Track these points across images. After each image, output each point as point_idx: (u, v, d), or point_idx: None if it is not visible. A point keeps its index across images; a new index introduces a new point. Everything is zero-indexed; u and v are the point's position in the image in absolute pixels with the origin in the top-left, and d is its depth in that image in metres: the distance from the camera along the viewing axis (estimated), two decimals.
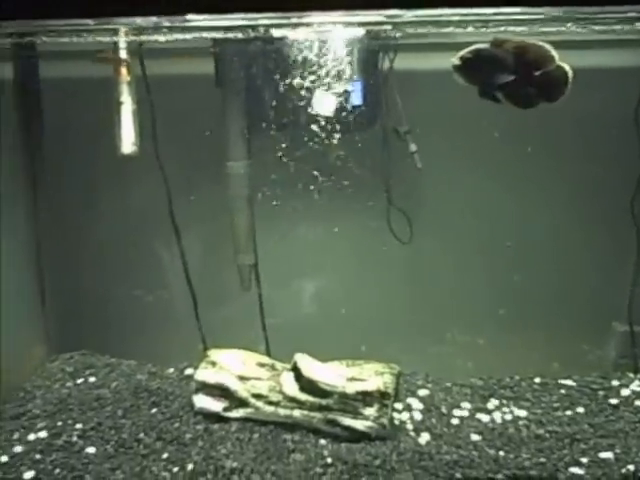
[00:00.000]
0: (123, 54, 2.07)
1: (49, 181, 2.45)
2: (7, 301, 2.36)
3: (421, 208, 2.33)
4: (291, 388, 2.06)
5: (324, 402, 2.02)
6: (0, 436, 2.04)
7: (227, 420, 2.08)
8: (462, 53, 1.78)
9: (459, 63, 1.78)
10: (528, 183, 2.30)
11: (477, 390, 2.26)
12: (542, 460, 1.88)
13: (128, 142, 2.09)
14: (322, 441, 1.99)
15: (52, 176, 2.45)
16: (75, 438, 2.01)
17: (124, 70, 2.08)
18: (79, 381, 2.36)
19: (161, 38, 1.91)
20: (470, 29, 1.84)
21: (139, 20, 1.68)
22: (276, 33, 1.87)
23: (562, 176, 2.30)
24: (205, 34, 1.90)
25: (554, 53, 1.74)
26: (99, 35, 1.93)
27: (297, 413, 2.03)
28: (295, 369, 2.09)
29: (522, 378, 2.32)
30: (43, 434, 2.04)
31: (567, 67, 1.75)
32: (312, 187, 2.18)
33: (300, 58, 2.00)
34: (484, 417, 2.12)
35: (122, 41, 2.05)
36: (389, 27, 1.86)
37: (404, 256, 2.36)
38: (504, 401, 2.20)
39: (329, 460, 1.89)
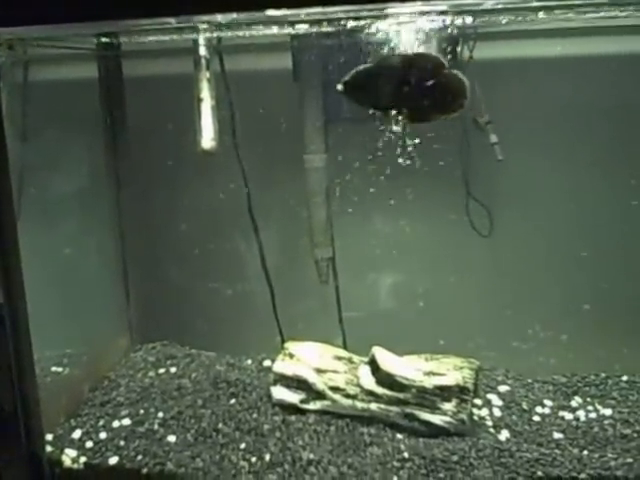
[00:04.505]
0: (203, 51, 2.11)
1: (132, 177, 2.51)
2: (94, 294, 2.44)
3: (501, 201, 2.28)
4: (368, 381, 2.06)
5: (401, 396, 2.00)
6: (87, 423, 2.11)
7: (304, 412, 2.09)
8: (345, 78, 1.74)
9: (342, 89, 1.74)
10: (614, 175, 2.22)
11: (560, 387, 2.20)
12: (629, 460, 1.81)
13: (207, 138, 2.12)
14: (399, 435, 1.98)
15: (135, 172, 2.51)
16: (157, 426, 2.07)
17: (204, 67, 2.11)
18: (161, 371, 2.42)
19: (240, 34, 1.94)
20: (553, 15, 1.79)
21: (219, 17, 1.70)
22: (353, 25, 1.87)
23: None
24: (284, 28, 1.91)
25: (443, 61, 1.66)
26: (180, 33, 1.97)
27: (374, 407, 2.03)
28: (372, 362, 2.08)
29: (608, 376, 2.25)
30: (126, 421, 2.10)
31: (463, 77, 1.67)
32: (390, 180, 2.16)
33: (377, 50, 1.98)
34: (567, 415, 2.06)
35: (202, 38, 2.09)
36: (468, 16, 1.83)
37: (484, 249, 2.32)
38: (589, 399, 2.14)
39: (406, 454, 1.88)
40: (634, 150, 2.18)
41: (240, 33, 1.93)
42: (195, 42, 2.09)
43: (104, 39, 2.12)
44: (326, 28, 1.88)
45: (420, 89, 1.70)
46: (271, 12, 1.58)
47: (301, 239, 2.39)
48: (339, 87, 1.76)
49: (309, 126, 2.26)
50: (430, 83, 1.69)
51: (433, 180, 2.17)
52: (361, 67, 1.74)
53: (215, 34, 2.05)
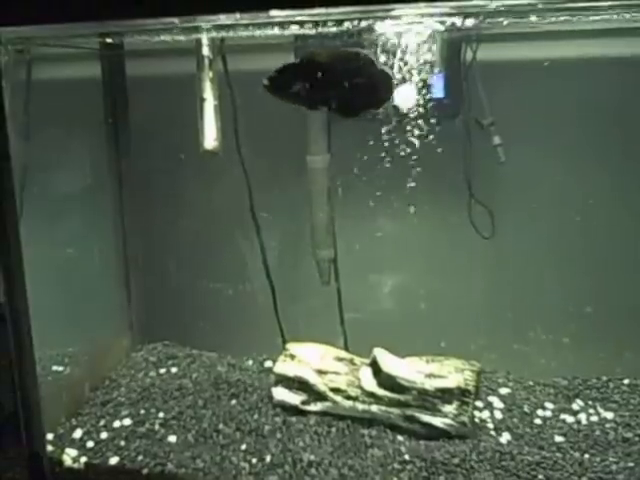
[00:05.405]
0: (206, 51, 2.11)
1: (134, 177, 2.51)
2: (96, 294, 2.44)
3: (504, 202, 2.27)
4: (369, 383, 2.06)
5: (403, 398, 2.00)
6: (88, 422, 2.11)
7: (305, 413, 2.09)
8: (270, 73, 1.74)
9: (268, 84, 1.74)
10: (617, 177, 2.22)
11: (561, 390, 2.20)
12: (630, 464, 1.81)
13: (210, 138, 2.12)
14: (400, 437, 1.97)
15: (137, 172, 2.51)
16: (157, 426, 2.06)
17: (206, 67, 2.11)
18: (162, 371, 2.42)
19: (243, 34, 1.93)
20: (556, 18, 1.79)
21: (223, 17, 1.69)
22: (357, 26, 1.86)
23: None
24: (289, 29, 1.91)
25: (373, 58, 1.66)
26: (183, 33, 1.97)
27: (375, 408, 2.02)
28: (374, 364, 2.08)
29: (610, 379, 2.24)
30: (127, 421, 2.10)
31: (389, 71, 1.68)
32: (392, 181, 2.16)
33: (381, 51, 1.98)
34: (569, 418, 2.06)
35: (205, 38, 2.09)
36: (472, 18, 1.83)
37: (486, 251, 2.31)
38: (590, 402, 2.14)
39: (407, 457, 1.87)
40: (638, 152, 2.17)
41: (244, 34, 1.93)
42: (198, 42, 2.09)
43: (107, 38, 2.12)
44: (329, 29, 1.88)
45: (346, 85, 1.70)
46: (275, 12, 1.59)
47: (303, 240, 2.39)
48: (264, 82, 1.76)
49: (312, 127, 2.26)
50: (355, 79, 1.69)
51: (436, 182, 2.17)
52: (287, 63, 1.74)
53: (219, 34, 2.05)
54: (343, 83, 1.70)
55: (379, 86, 1.71)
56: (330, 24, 1.81)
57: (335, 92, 1.72)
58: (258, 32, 1.89)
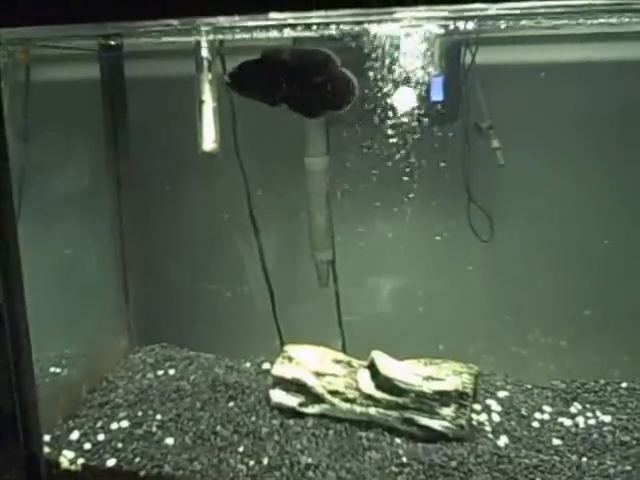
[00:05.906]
0: (205, 53, 2.11)
1: (133, 179, 2.51)
2: (93, 295, 2.44)
3: (503, 206, 2.28)
4: (367, 386, 2.05)
5: (401, 401, 2.00)
6: (85, 424, 2.10)
7: (303, 416, 2.09)
8: (232, 70, 1.76)
9: (229, 80, 1.76)
10: (616, 180, 2.22)
11: (559, 393, 2.20)
12: (627, 468, 1.81)
13: (209, 140, 2.13)
14: (398, 440, 1.97)
15: (136, 174, 2.51)
16: (155, 428, 2.06)
17: (205, 69, 2.11)
18: (159, 373, 2.41)
19: (244, 36, 1.93)
20: (553, 22, 1.79)
21: (222, 19, 1.69)
22: (356, 29, 1.86)
23: None
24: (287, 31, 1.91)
25: (335, 58, 1.66)
26: (183, 35, 1.97)
27: (373, 411, 2.02)
28: (372, 367, 2.08)
29: (607, 382, 2.24)
30: (125, 423, 2.09)
31: (351, 75, 1.68)
32: (391, 184, 2.16)
33: (380, 53, 1.98)
34: (566, 421, 2.06)
35: (204, 40, 2.09)
36: (471, 21, 1.83)
37: (485, 254, 2.31)
38: (588, 405, 2.14)
39: (405, 459, 1.88)
40: (638, 156, 2.18)
41: (244, 35, 1.93)
42: (197, 44, 2.09)
43: (106, 40, 2.12)
44: (328, 31, 1.88)
45: (306, 84, 1.70)
46: (274, 15, 1.59)
47: (301, 242, 2.39)
48: (225, 79, 1.78)
49: (310, 129, 2.26)
50: (316, 79, 1.69)
51: (434, 185, 2.17)
52: (247, 60, 1.75)
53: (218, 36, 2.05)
54: (302, 81, 1.70)
55: (340, 87, 1.71)
56: (328, 26, 1.82)
57: (294, 90, 1.72)
58: (256, 34, 1.90)
